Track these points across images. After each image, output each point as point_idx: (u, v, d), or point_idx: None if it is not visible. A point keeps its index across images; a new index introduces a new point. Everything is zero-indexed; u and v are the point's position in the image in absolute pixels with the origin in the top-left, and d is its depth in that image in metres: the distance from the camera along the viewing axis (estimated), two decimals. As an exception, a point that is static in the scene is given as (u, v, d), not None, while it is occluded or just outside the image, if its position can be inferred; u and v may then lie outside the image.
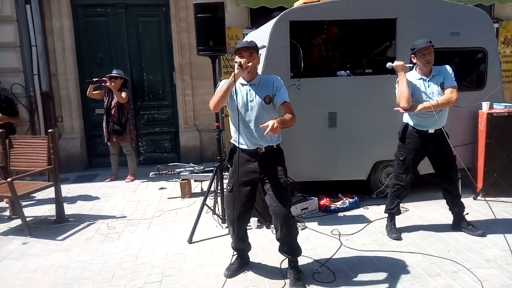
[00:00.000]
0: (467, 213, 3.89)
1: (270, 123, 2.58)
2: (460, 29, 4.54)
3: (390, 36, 4.74)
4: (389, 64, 3.59)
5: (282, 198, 2.85)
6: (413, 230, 3.87)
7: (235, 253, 3.22)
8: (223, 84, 2.83)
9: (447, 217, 3.98)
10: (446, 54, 4.76)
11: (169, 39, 6.73)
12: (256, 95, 2.86)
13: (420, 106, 3.47)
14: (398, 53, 4.50)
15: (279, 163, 2.94)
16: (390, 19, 4.49)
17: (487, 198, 4.54)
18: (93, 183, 5.94)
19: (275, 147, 2.93)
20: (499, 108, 4.61)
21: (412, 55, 3.54)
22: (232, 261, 3.23)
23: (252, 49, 2.81)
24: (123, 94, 5.72)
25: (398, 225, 3.84)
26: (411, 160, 3.67)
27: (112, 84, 5.63)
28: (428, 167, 4.04)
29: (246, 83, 2.91)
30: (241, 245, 3.19)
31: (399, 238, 3.68)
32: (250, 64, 2.75)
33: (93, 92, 5.80)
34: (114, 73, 5.72)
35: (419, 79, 3.55)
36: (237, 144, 2.91)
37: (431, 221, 4.06)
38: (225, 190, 3.00)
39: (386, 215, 3.86)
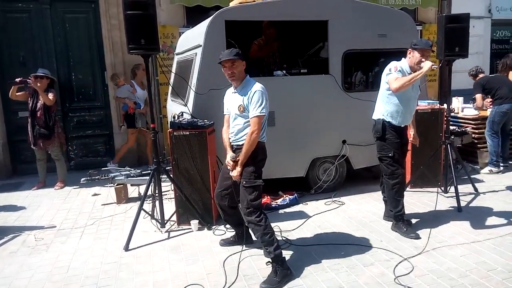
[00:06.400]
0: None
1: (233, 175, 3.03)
2: (387, 31, 4.81)
3: (323, 37, 4.90)
4: (434, 66, 3.47)
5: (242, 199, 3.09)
6: (348, 222, 4.02)
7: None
8: None
9: (379, 209, 4.20)
10: (374, 55, 5.04)
11: (99, 37, 6.41)
12: (235, 102, 3.07)
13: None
14: (331, 53, 4.67)
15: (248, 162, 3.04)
16: (322, 21, 4.64)
17: (414, 189, 4.90)
18: (19, 192, 5.50)
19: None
20: (423, 105, 4.94)
21: (414, 49, 3.55)
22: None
23: (233, 60, 3.00)
24: (50, 95, 5.35)
25: (334, 219, 3.96)
26: (399, 154, 3.69)
27: (38, 84, 5.25)
28: (362, 161, 4.21)
29: (235, 90, 3.13)
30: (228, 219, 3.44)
31: (418, 237, 3.61)
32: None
33: (17, 94, 5.37)
34: (40, 72, 5.34)
35: (409, 73, 3.58)
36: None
37: (365, 213, 4.25)
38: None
39: (324, 209, 3.96)
